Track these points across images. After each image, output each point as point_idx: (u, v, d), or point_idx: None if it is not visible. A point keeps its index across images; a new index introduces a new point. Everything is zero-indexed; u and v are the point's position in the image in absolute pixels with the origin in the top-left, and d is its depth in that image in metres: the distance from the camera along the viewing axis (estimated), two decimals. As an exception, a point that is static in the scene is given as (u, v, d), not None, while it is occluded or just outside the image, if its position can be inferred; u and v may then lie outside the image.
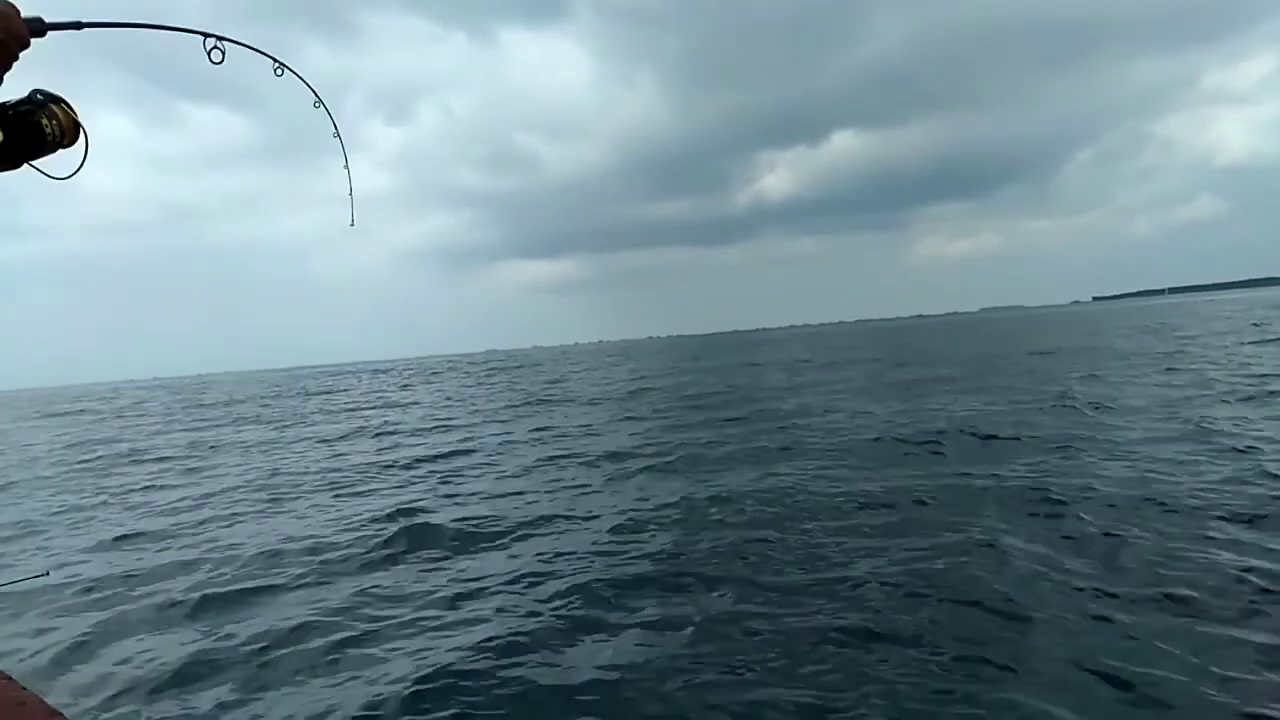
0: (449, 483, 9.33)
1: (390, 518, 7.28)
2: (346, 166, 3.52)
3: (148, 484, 11.21)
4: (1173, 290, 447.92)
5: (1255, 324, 29.18)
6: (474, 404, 22.18)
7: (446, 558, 5.97)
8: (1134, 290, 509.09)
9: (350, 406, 25.14)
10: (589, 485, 8.44)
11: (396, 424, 17.21)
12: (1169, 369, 14.99)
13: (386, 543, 6.44)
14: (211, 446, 15.61)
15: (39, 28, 1.73)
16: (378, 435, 15.37)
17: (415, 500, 8.23)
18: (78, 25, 1.86)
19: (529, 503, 7.78)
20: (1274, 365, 14.29)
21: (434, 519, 7.15)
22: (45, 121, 1.75)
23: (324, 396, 33.40)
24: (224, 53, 2.38)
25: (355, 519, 7.48)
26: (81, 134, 1.84)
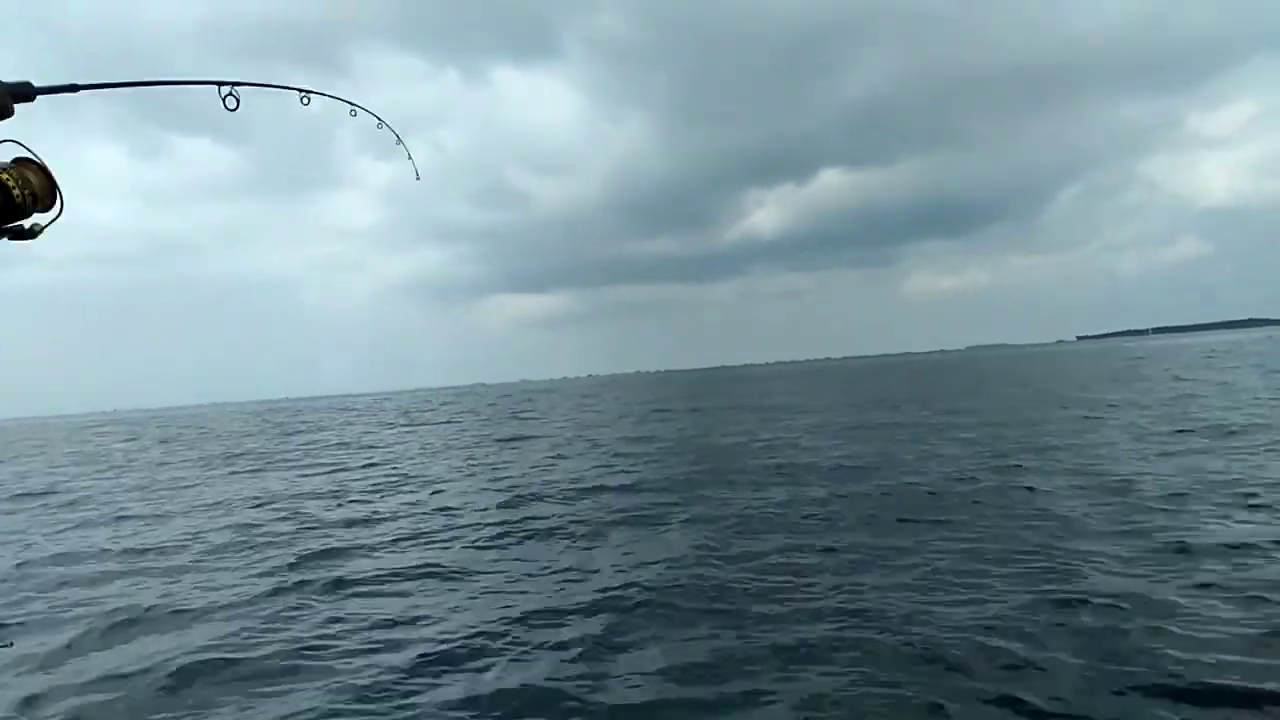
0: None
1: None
2: (410, 158, 3.92)
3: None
4: (1156, 330, 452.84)
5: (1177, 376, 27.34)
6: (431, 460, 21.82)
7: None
8: (1118, 330, 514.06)
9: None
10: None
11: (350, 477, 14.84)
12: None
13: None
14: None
15: (26, 93, 1.67)
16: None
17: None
18: (73, 88, 1.79)
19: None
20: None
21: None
22: (12, 183, 1.64)
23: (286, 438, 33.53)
24: (238, 99, 2.32)
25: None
26: (58, 197, 1.74)
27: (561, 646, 4.71)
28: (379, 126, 3.53)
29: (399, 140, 3.79)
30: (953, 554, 6.03)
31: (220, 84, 2.23)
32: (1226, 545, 5.74)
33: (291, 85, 2.73)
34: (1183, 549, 5.71)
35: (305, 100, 2.80)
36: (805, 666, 4.17)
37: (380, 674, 4.45)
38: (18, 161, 1.66)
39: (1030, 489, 8.38)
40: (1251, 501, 7.12)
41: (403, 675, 4.43)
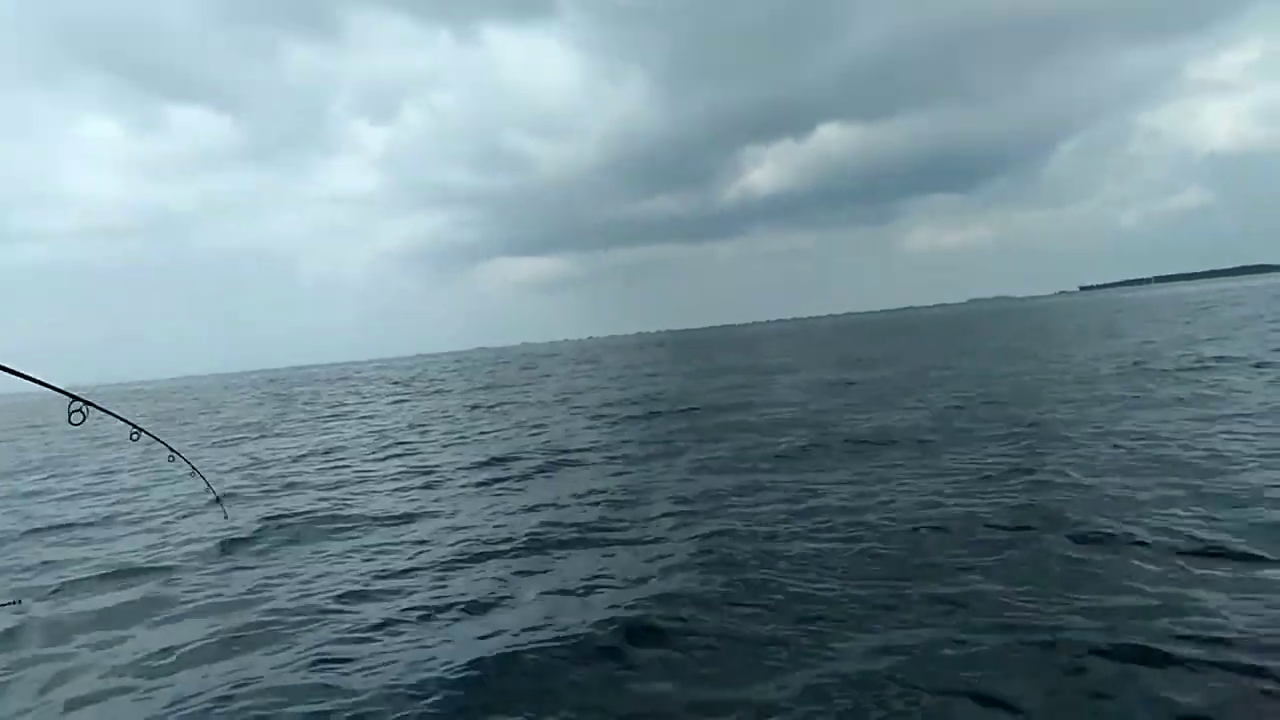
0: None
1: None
2: None
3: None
4: (1158, 279, 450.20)
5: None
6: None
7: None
8: (1120, 279, 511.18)
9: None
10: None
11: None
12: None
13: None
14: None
15: None
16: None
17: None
18: None
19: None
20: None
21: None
22: None
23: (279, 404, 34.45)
24: (85, 415, 2.51)
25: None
26: None
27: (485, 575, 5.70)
28: None
29: None
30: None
31: (72, 398, 2.50)
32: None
33: (126, 419, 3.38)
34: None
35: (135, 437, 3.82)
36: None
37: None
38: None
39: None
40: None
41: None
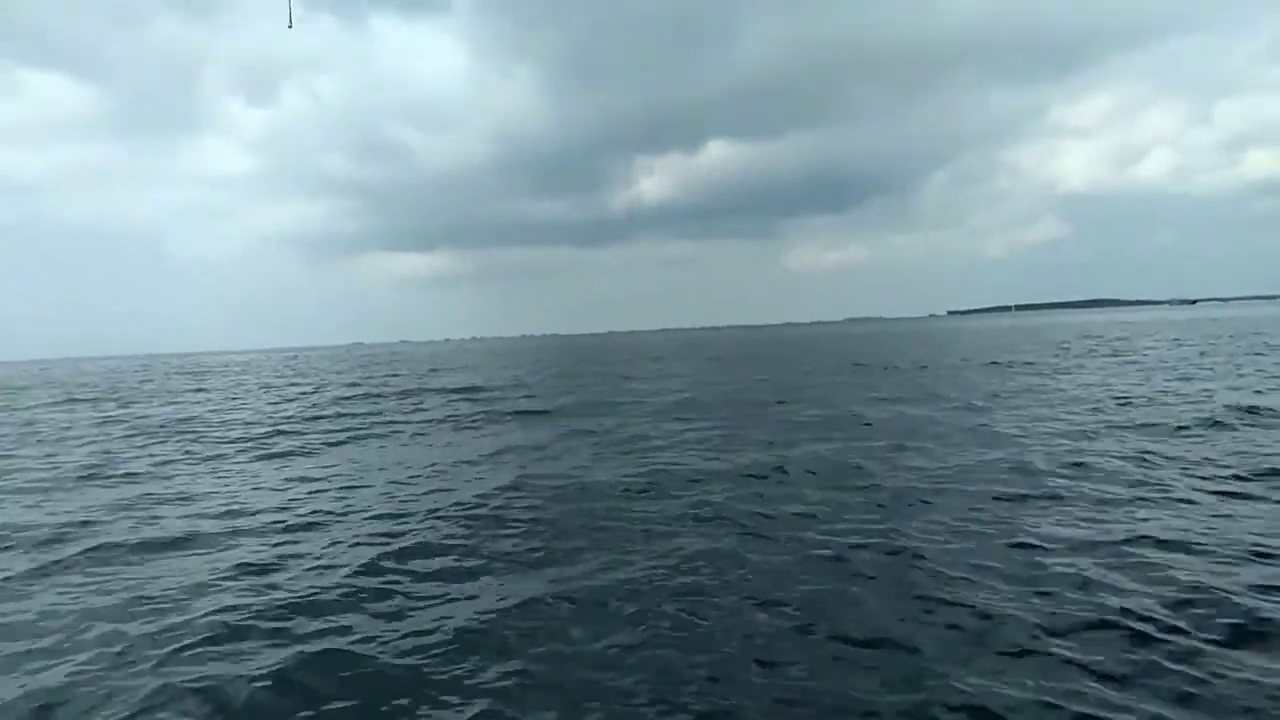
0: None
1: None
2: None
3: None
4: (1019, 307, 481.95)
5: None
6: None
7: None
8: (986, 306, 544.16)
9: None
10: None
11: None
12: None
13: None
14: None
15: None
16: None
17: None
18: None
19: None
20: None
21: None
22: None
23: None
24: None
25: None
26: None
27: None
28: None
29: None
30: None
31: None
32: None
33: None
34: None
35: None
36: None
37: None
38: None
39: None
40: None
41: None
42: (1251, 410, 10.95)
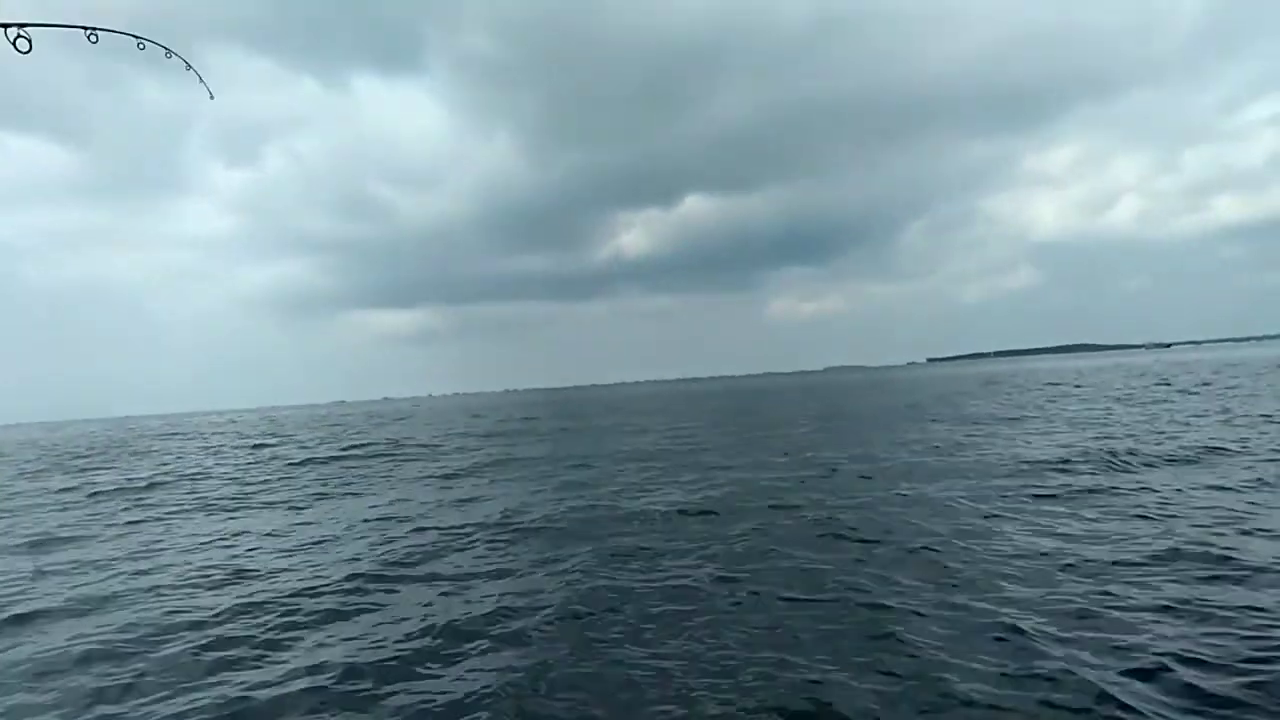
0: None
1: None
2: (202, 81, 4.24)
3: None
4: (998, 354, 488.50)
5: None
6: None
7: None
8: (965, 353, 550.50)
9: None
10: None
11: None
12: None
13: None
14: None
15: None
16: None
17: None
18: None
19: None
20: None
21: None
22: None
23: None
24: (30, 41, 2.27)
25: None
26: None
27: None
28: (168, 56, 3.81)
29: (189, 66, 4.10)
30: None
31: (6, 26, 2.21)
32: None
33: (77, 24, 2.78)
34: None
35: (92, 38, 2.92)
36: None
37: None
38: None
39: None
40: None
41: None
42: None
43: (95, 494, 16.15)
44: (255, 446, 29.25)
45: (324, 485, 15.29)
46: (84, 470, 23.31)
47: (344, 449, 24.30)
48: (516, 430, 30.67)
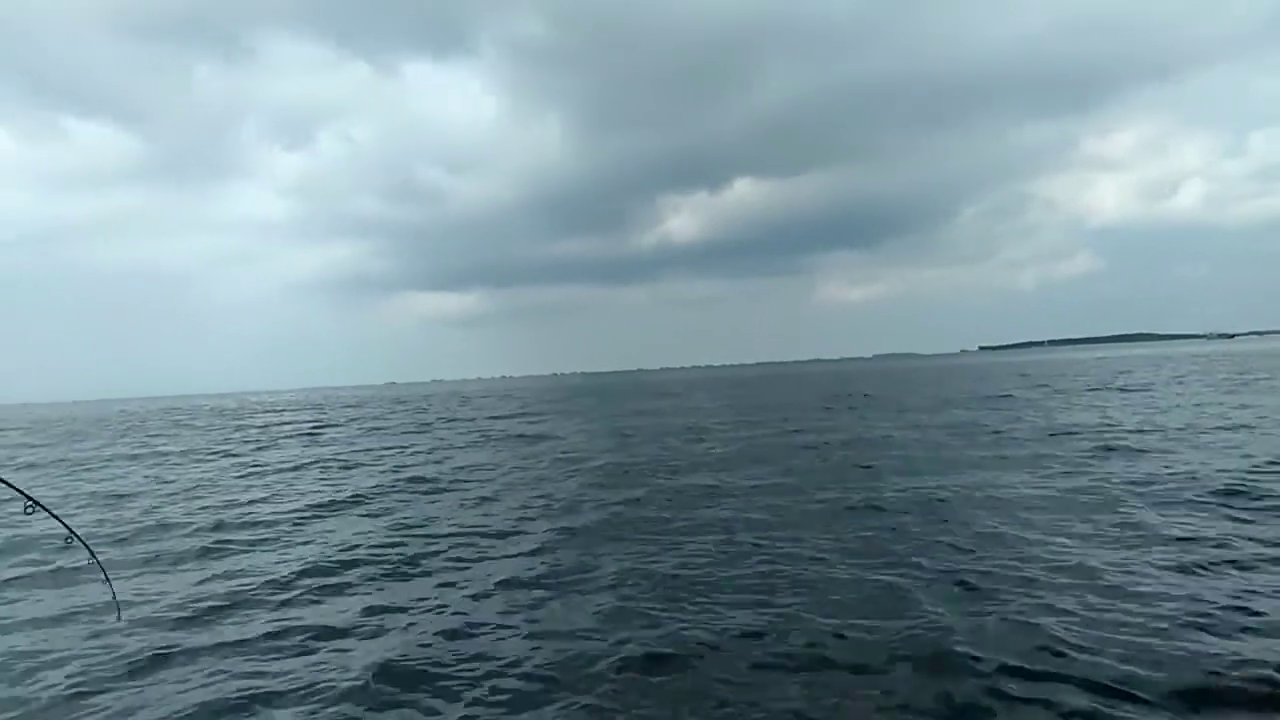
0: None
1: None
2: None
3: None
4: (1052, 342, 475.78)
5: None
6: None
7: None
8: (1018, 341, 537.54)
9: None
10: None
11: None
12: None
13: None
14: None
15: None
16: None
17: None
18: None
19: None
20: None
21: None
22: None
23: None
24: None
25: None
26: None
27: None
28: None
29: None
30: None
31: None
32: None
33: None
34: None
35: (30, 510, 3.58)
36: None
37: None
38: None
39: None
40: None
41: None
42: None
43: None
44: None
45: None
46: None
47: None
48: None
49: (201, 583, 7.25)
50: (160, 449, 22.66)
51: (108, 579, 4.67)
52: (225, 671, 4.98)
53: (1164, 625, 4.82)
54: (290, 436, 25.73)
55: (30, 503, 3.48)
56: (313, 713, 4.33)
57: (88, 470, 17.46)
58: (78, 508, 11.82)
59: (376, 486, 12.65)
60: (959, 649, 4.59)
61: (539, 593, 6.33)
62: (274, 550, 8.46)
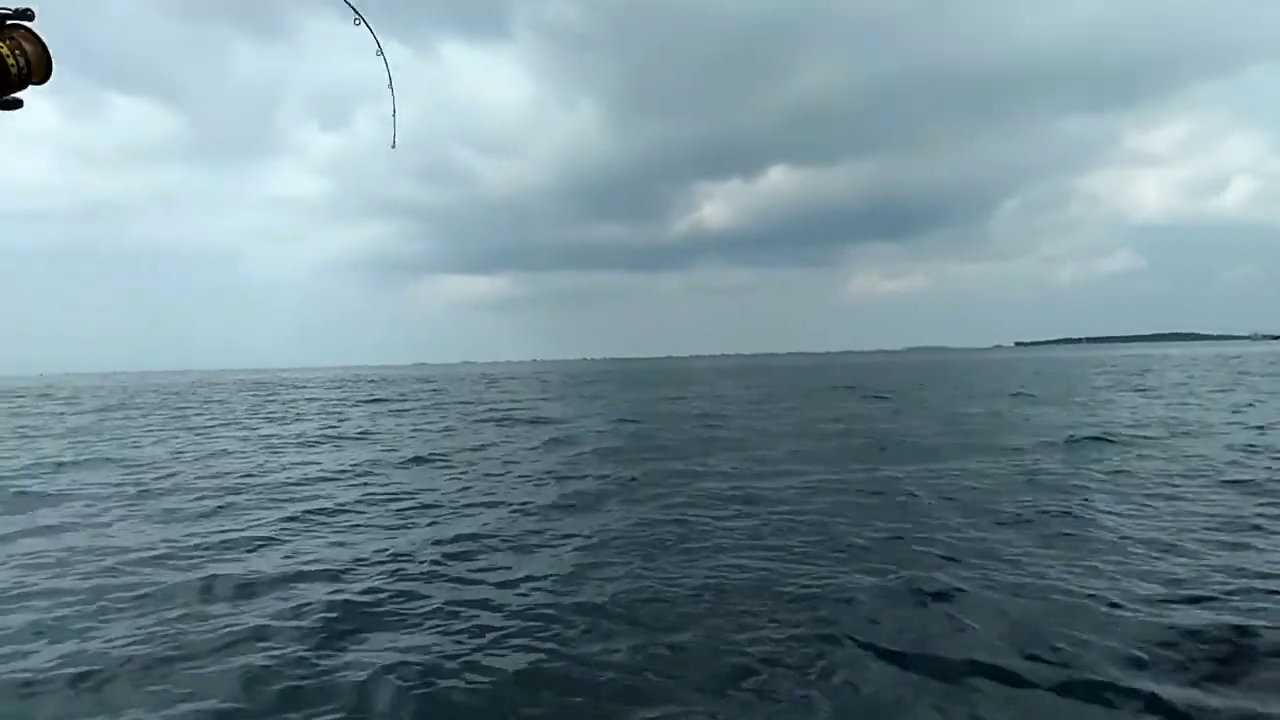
0: None
1: None
2: (391, 87, 4.19)
3: None
4: (1090, 340, 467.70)
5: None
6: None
7: None
8: (1054, 338, 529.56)
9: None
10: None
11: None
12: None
13: None
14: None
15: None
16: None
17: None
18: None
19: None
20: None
21: None
22: (8, 53, 1.48)
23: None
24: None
25: None
26: (50, 68, 1.57)
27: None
28: (378, 53, 3.95)
29: (379, 52, 4.01)
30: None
31: None
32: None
33: None
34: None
35: (356, 23, 3.37)
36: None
37: None
38: (9, 27, 1.52)
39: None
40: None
41: None
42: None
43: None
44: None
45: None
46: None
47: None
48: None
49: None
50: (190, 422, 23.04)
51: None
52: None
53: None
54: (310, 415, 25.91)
55: None
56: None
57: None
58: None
59: (367, 461, 12.75)
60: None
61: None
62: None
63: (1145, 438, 12.45)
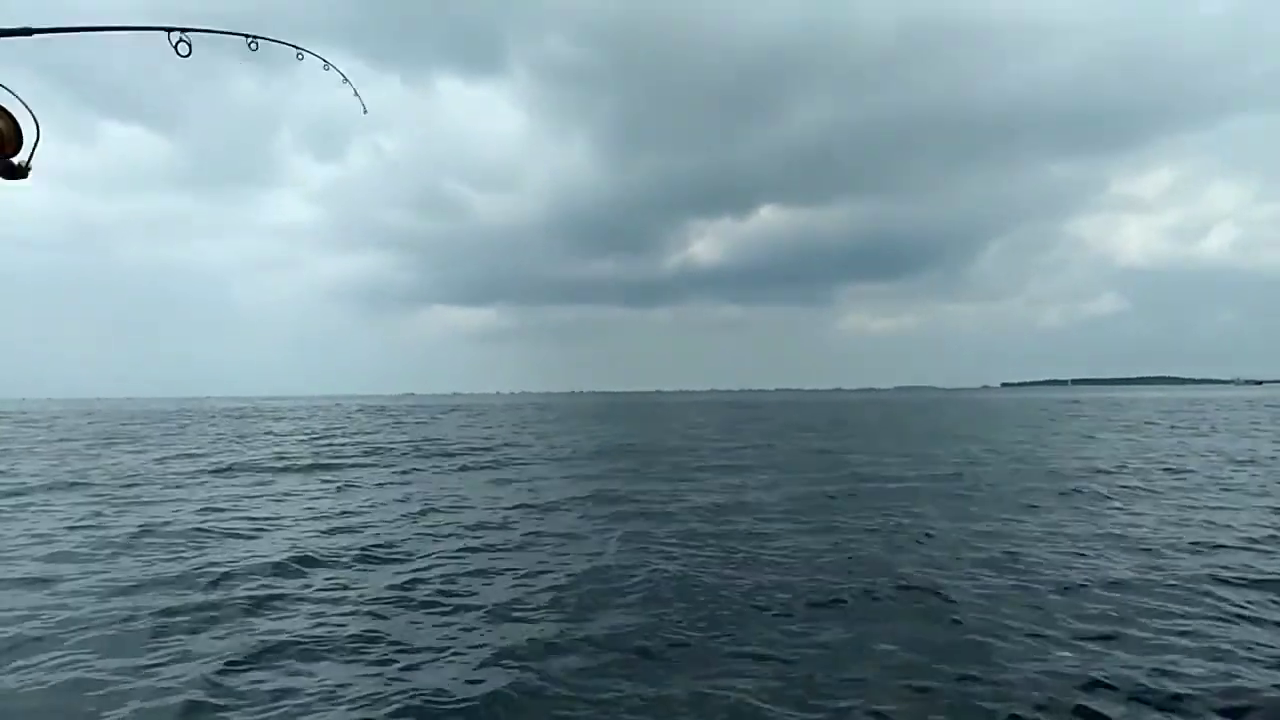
0: None
1: None
2: (356, 94, 4.24)
3: None
4: (1075, 382, 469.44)
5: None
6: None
7: None
8: (1041, 379, 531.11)
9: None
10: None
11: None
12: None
13: None
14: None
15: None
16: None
17: None
18: (26, 32, 1.61)
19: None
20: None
21: None
22: None
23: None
24: (190, 45, 2.38)
25: None
26: (28, 132, 1.56)
27: None
28: (325, 68, 3.82)
29: (345, 79, 4.08)
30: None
31: (169, 30, 2.29)
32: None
33: (239, 31, 2.83)
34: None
35: (253, 45, 2.90)
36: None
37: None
38: None
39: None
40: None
41: None
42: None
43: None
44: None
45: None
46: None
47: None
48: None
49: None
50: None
51: None
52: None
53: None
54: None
55: None
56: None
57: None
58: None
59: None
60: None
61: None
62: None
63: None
